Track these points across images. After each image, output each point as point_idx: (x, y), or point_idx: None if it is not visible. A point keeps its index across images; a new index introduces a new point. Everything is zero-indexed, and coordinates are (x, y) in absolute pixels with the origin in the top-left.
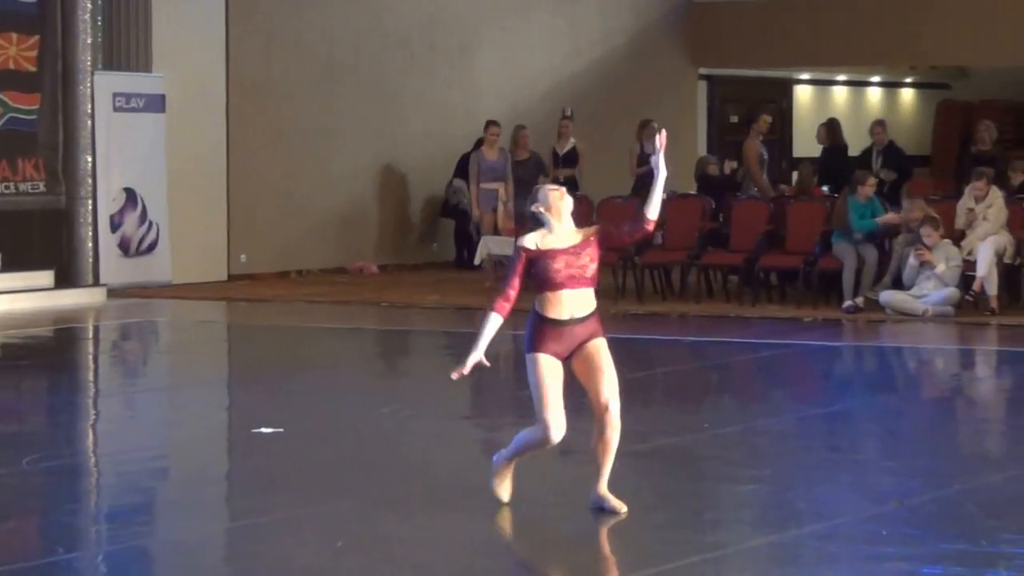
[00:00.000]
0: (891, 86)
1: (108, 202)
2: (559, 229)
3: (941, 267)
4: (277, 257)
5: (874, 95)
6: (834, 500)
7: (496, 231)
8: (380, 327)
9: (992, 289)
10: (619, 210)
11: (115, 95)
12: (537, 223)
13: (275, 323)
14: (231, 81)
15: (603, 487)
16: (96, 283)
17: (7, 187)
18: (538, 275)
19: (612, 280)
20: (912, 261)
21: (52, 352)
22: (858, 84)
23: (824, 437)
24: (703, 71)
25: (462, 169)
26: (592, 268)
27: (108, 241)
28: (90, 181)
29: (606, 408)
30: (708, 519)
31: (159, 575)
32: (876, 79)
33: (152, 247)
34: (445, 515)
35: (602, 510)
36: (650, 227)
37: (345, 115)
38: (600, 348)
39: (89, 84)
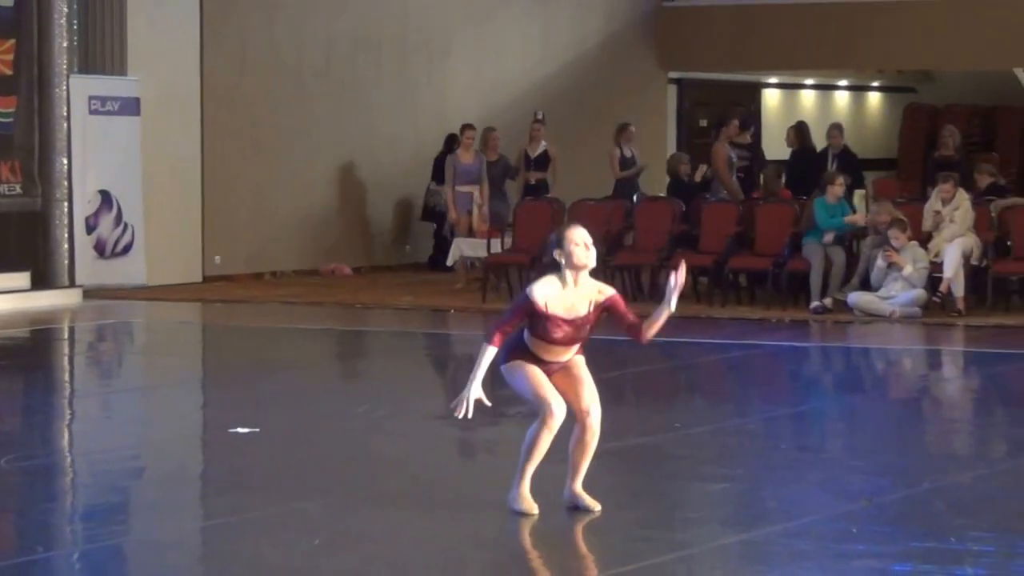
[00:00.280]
0: (858, 90)
1: (84, 204)
2: (572, 289)
3: (908, 269)
4: (251, 259)
5: (841, 99)
6: (804, 499)
7: (471, 233)
8: (354, 328)
9: (959, 290)
10: (591, 212)
11: (91, 98)
12: (552, 266)
13: (250, 324)
14: (205, 84)
15: (578, 486)
16: (72, 284)
17: None
18: (535, 326)
19: None
20: (880, 263)
21: (28, 353)
22: (826, 88)
23: (793, 436)
24: (673, 75)
25: (437, 172)
26: (587, 334)
27: (84, 243)
28: (66, 183)
29: (587, 413)
30: (680, 517)
31: (136, 574)
32: (843, 83)
33: (127, 249)
34: (420, 514)
35: (576, 508)
36: (641, 342)
37: (318, 118)
38: (580, 363)
39: (65, 87)
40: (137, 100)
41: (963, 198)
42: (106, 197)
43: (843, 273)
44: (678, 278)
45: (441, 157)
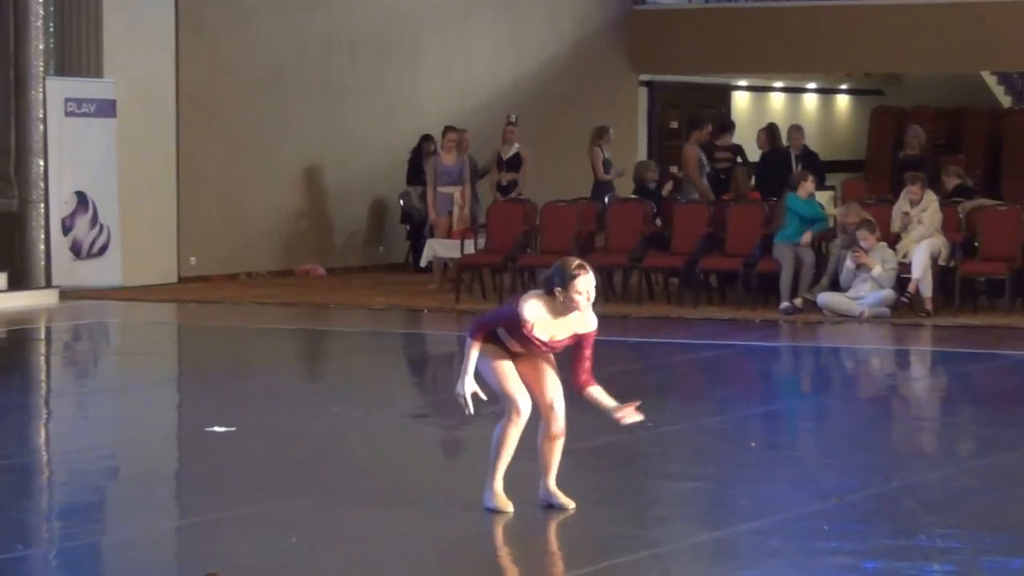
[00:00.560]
0: (827, 92)
1: (60, 205)
2: (561, 317)
3: (877, 269)
4: (226, 259)
5: (810, 101)
6: (776, 497)
7: (451, 234)
8: (329, 328)
9: (927, 291)
10: (563, 213)
11: (67, 100)
12: (549, 287)
13: (225, 324)
14: (181, 86)
15: (551, 484)
16: (48, 285)
17: None
18: (514, 333)
19: None
20: (849, 263)
21: (5, 353)
22: (795, 90)
23: (765, 435)
24: (644, 77)
25: (411, 173)
26: (560, 350)
27: (60, 244)
28: (42, 185)
29: (551, 406)
30: (653, 515)
31: (113, 572)
32: (812, 85)
33: (103, 250)
34: (397, 512)
35: (551, 506)
36: (575, 389)
37: (292, 120)
38: (544, 358)
39: (41, 89)
40: (113, 102)
41: (931, 199)
42: (82, 198)
43: (812, 274)
44: (626, 416)
45: (414, 158)
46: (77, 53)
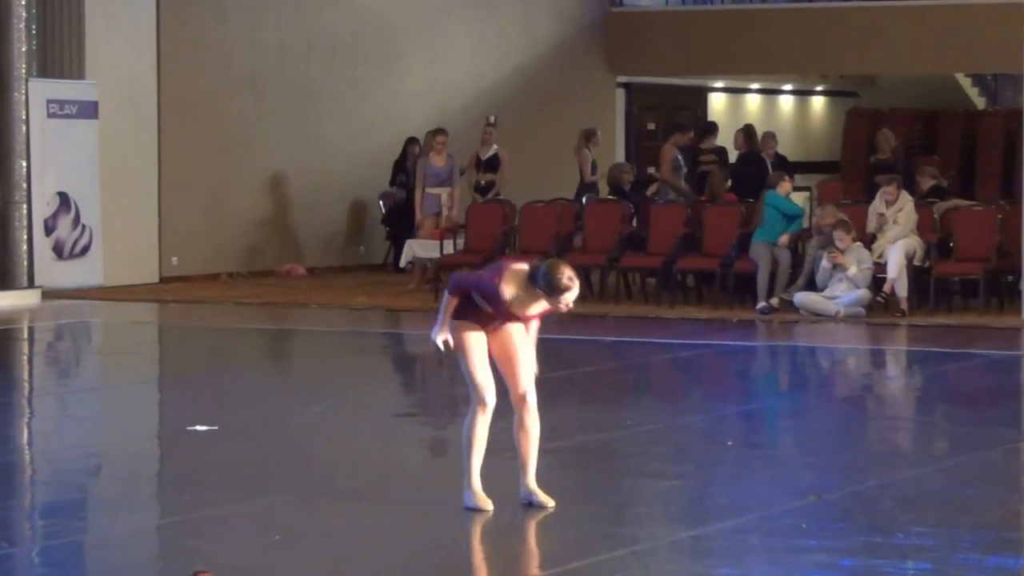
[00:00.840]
0: (802, 94)
1: (42, 206)
2: (535, 301)
3: (853, 269)
4: (207, 260)
5: (786, 103)
6: (754, 495)
7: (433, 235)
8: (310, 328)
9: (902, 291)
10: (541, 214)
11: (49, 102)
12: (532, 279)
13: (207, 324)
14: (162, 88)
15: (531, 481)
16: (31, 285)
17: None
18: (491, 301)
19: None
20: (825, 263)
21: None
22: (771, 92)
23: (743, 434)
24: (621, 79)
25: (396, 175)
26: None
27: (42, 244)
28: (25, 186)
29: (523, 398)
30: (632, 513)
31: (97, 570)
32: (788, 87)
33: (85, 250)
34: (378, 510)
35: (531, 504)
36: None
37: (272, 121)
38: (516, 330)
39: (24, 91)
40: (95, 104)
41: (906, 200)
42: (64, 199)
43: (789, 274)
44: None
45: (400, 160)
46: (59, 55)
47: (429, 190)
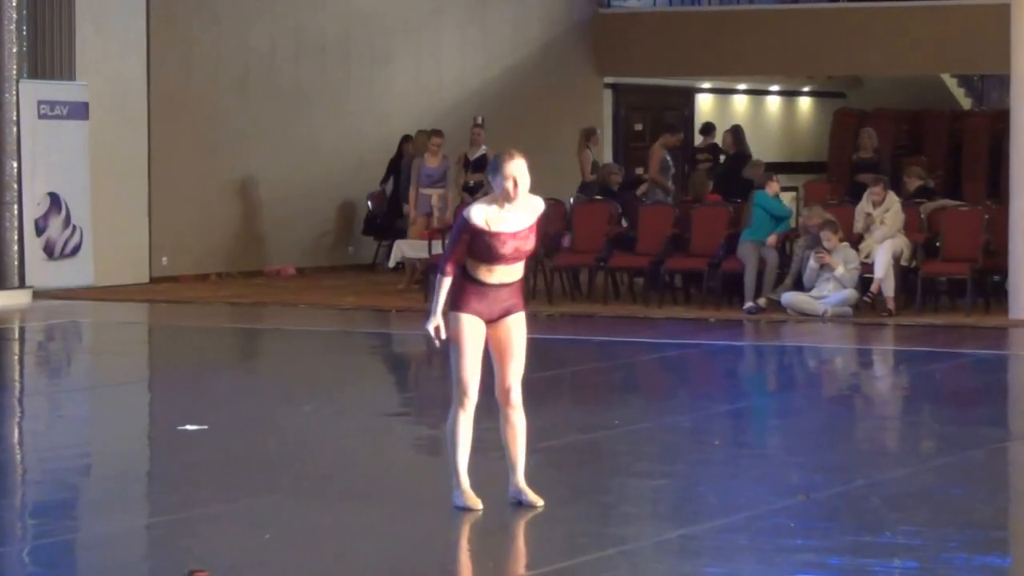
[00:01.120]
0: (789, 95)
1: (33, 206)
2: (510, 207)
3: (840, 269)
4: (197, 260)
5: (773, 103)
6: (742, 494)
7: (423, 235)
8: (299, 328)
9: (889, 290)
10: None
11: (40, 103)
12: (481, 169)
13: (197, 324)
14: (152, 89)
15: (520, 480)
16: (22, 285)
17: None
18: (480, 249)
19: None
20: (812, 263)
21: None
22: (758, 93)
23: (730, 433)
24: (609, 80)
25: (391, 174)
26: (532, 245)
27: (33, 244)
28: (16, 186)
29: (508, 393)
30: (620, 513)
31: (87, 569)
32: (775, 88)
33: (76, 250)
34: (368, 509)
35: (520, 504)
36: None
37: (262, 122)
38: (516, 327)
39: (15, 92)
40: (85, 104)
41: (893, 200)
42: (55, 199)
43: (776, 274)
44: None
45: (396, 158)
46: (50, 56)
47: (422, 190)
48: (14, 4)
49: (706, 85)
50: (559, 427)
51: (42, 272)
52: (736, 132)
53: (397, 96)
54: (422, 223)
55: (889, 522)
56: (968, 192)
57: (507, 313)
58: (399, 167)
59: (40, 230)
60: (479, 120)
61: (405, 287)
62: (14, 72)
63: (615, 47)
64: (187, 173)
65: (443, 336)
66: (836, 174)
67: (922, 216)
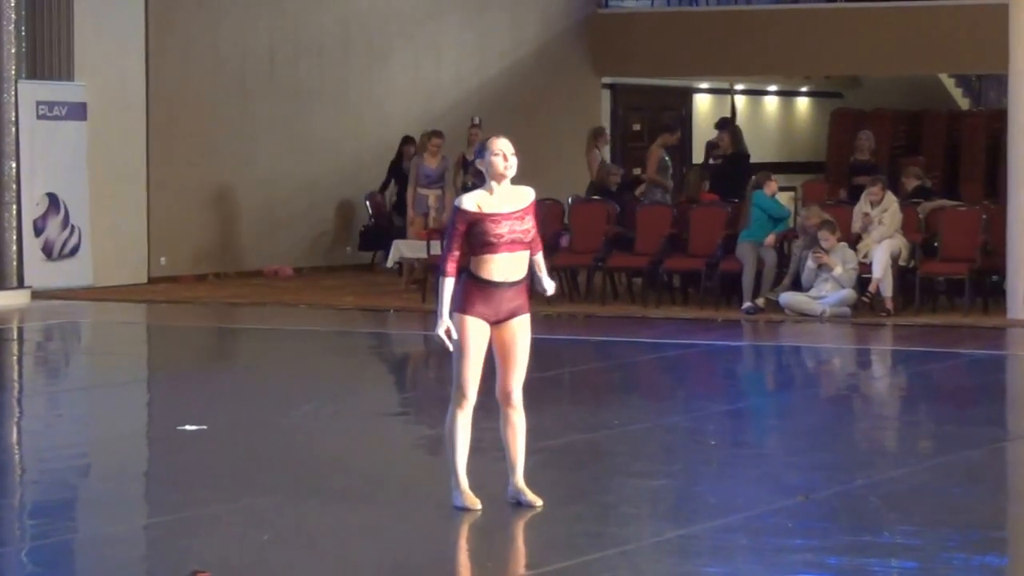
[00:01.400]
0: (787, 95)
1: (32, 207)
2: (499, 190)
3: (838, 269)
4: (195, 260)
5: (771, 104)
6: (741, 494)
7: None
8: (298, 328)
9: (887, 291)
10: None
11: (38, 103)
12: (478, 177)
13: (195, 324)
14: (151, 90)
15: (520, 480)
16: (20, 286)
17: None
18: (478, 237)
19: None
20: (810, 264)
21: None
22: (755, 93)
23: (729, 433)
24: (606, 80)
25: (392, 175)
26: (533, 232)
27: (32, 245)
28: (14, 186)
29: (508, 394)
30: (620, 513)
31: (86, 569)
32: (773, 88)
33: (75, 251)
34: (367, 509)
35: (519, 504)
36: (532, 252)
37: (261, 122)
38: (521, 330)
39: (13, 93)
40: (84, 105)
41: (891, 200)
42: (53, 200)
43: (774, 274)
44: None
45: (396, 160)
46: (49, 57)
47: (420, 190)
48: (12, 4)
49: (704, 85)
50: (558, 427)
51: (41, 272)
52: (734, 132)
53: (396, 96)
54: (420, 223)
55: (888, 522)
56: (966, 192)
57: (513, 315)
58: (399, 169)
59: (39, 230)
60: (476, 120)
61: (404, 287)
62: (12, 72)
63: (613, 47)
64: (185, 174)
65: (454, 337)
66: (834, 174)
67: (920, 216)
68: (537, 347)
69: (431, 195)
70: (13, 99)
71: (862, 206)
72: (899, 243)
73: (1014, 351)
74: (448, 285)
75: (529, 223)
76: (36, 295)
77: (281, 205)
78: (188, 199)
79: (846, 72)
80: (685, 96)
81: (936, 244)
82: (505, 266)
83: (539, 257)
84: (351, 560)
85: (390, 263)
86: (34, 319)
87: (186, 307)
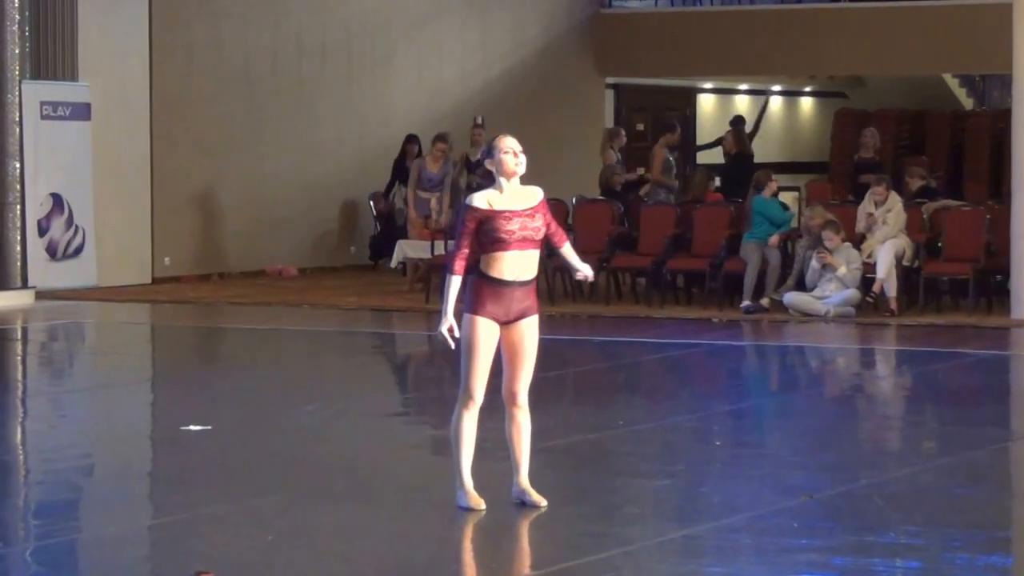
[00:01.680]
0: (791, 95)
1: (36, 207)
2: (509, 189)
3: (842, 270)
4: (199, 260)
5: (775, 104)
6: (745, 494)
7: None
8: (301, 328)
9: (891, 291)
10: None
11: (42, 103)
12: (487, 179)
13: (199, 324)
14: (154, 90)
15: (524, 480)
16: (25, 286)
17: None
18: (489, 234)
19: None
20: (814, 264)
21: None
22: (759, 93)
23: (733, 433)
24: (610, 80)
25: (396, 175)
26: (543, 231)
27: (36, 245)
28: (18, 187)
29: (515, 395)
30: (624, 513)
31: (91, 570)
32: (777, 88)
33: (79, 251)
34: (370, 508)
35: (523, 504)
36: (559, 245)
37: (264, 123)
38: (530, 331)
39: (17, 93)
40: (88, 105)
41: (895, 200)
42: (57, 200)
43: (779, 274)
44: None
45: (399, 159)
46: (53, 57)
47: (421, 193)
48: (16, 5)
49: (707, 85)
50: (562, 427)
51: (45, 273)
52: (738, 132)
53: (399, 96)
54: (420, 224)
55: (892, 522)
56: (970, 192)
57: (522, 315)
58: (402, 167)
59: (43, 231)
60: (479, 120)
61: (408, 288)
62: (16, 73)
63: (616, 47)
64: (189, 174)
65: (456, 336)
66: (838, 174)
67: (924, 216)
68: (541, 347)
69: (432, 199)
70: (17, 99)
71: (866, 206)
72: (903, 243)
73: (1018, 351)
74: (455, 283)
75: (539, 221)
76: (40, 295)
77: (284, 205)
78: (192, 199)
79: (850, 72)
80: (689, 96)
81: (940, 244)
82: (516, 264)
83: (567, 247)
84: (354, 560)
85: (394, 263)
86: (38, 319)
87: (190, 307)
